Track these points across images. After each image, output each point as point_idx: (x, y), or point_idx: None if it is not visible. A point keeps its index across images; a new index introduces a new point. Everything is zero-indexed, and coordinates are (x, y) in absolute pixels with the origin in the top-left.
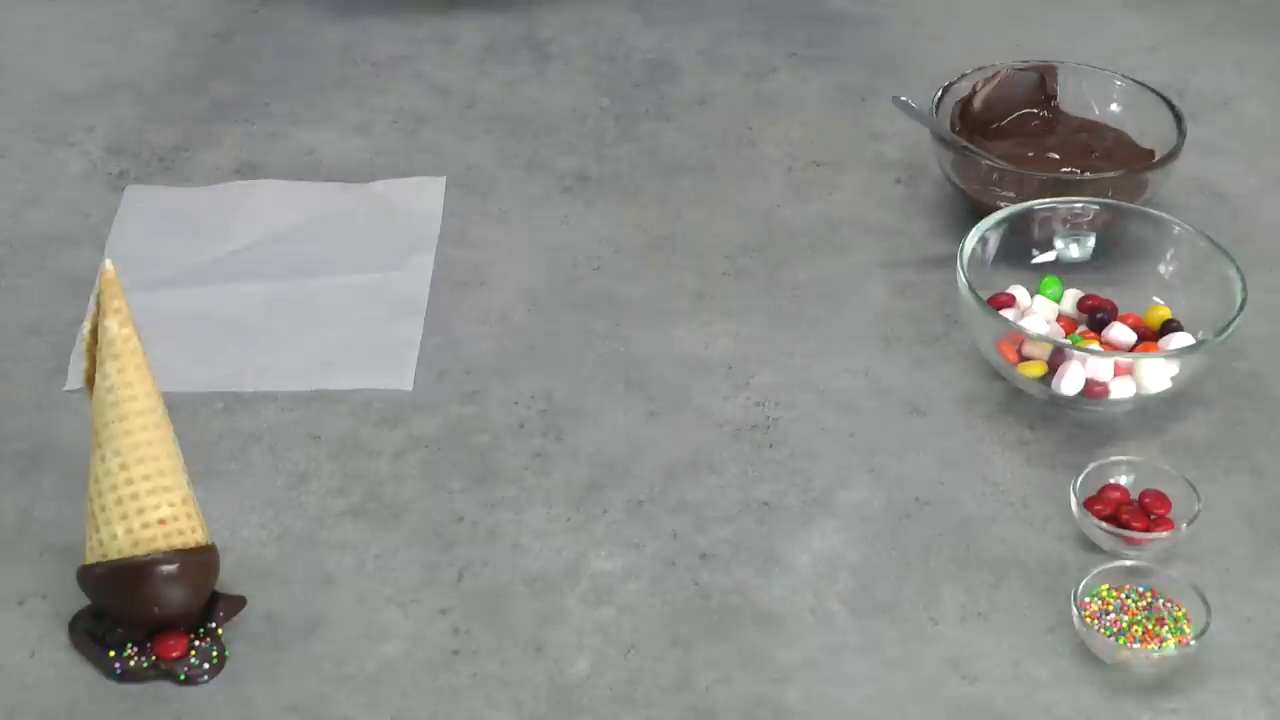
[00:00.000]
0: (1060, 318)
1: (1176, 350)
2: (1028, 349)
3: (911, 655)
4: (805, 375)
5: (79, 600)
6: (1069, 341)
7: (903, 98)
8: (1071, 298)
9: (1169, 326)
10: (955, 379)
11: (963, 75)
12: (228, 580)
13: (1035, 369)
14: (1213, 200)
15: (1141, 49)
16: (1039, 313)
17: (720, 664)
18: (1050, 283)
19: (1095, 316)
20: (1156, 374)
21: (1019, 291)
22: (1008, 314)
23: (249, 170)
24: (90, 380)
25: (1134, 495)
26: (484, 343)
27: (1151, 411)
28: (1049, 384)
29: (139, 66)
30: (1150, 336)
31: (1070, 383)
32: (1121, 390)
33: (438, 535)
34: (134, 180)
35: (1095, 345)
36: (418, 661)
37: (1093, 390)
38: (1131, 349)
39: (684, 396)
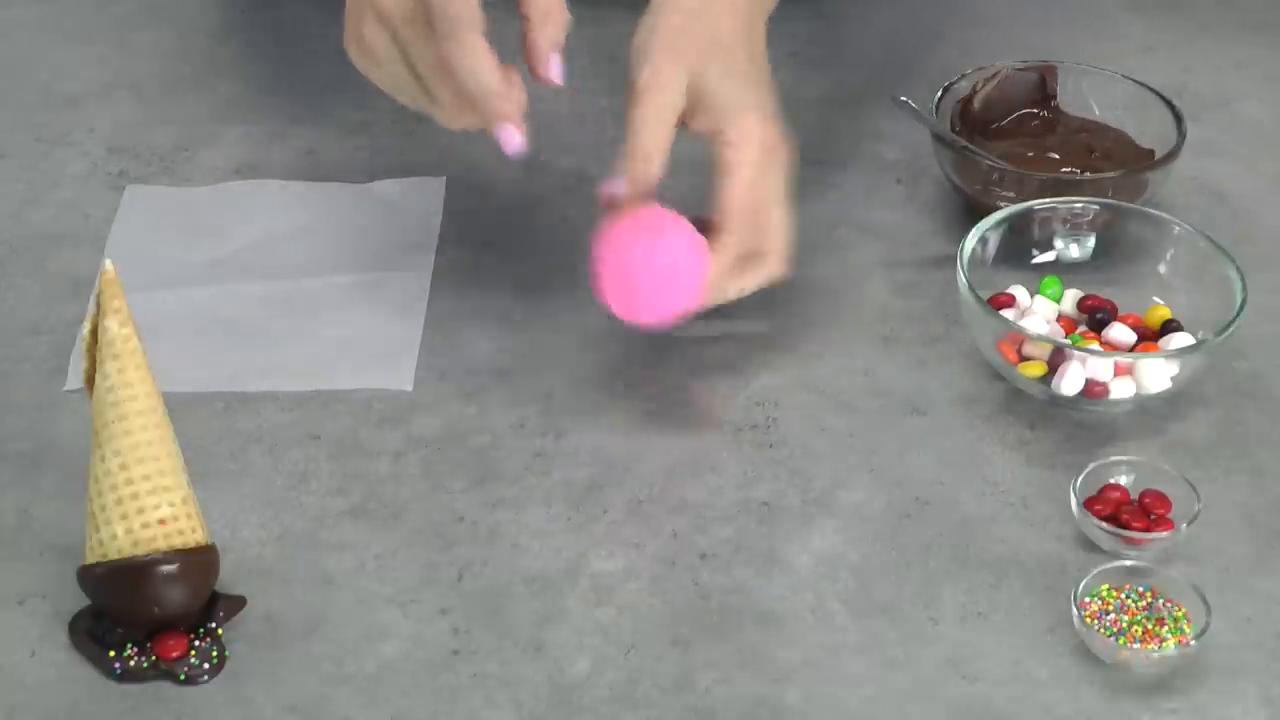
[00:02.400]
0: (1060, 318)
1: (1176, 350)
2: (1028, 349)
3: (911, 655)
4: (805, 375)
5: (79, 600)
6: (1069, 341)
7: (903, 98)
8: (1071, 298)
9: (1169, 326)
10: (955, 379)
11: (963, 75)
12: (228, 580)
13: (1035, 369)
14: (1213, 200)
15: (1141, 49)
16: (1039, 313)
17: (720, 664)
18: (1050, 283)
19: (1095, 316)
20: (1156, 374)
21: (1019, 291)
22: (1008, 314)
23: (249, 170)
24: (90, 380)
25: (1134, 495)
26: (484, 343)
27: (1151, 411)
28: (1049, 384)
29: (139, 66)
30: (1150, 336)
31: (1070, 383)
32: (1121, 390)
33: (438, 535)
34: (134, 180)
35: (1095, 345)
36: (418, 661)
37: (1093, 390)
38: (1131, 349)
39: (684, 396)
